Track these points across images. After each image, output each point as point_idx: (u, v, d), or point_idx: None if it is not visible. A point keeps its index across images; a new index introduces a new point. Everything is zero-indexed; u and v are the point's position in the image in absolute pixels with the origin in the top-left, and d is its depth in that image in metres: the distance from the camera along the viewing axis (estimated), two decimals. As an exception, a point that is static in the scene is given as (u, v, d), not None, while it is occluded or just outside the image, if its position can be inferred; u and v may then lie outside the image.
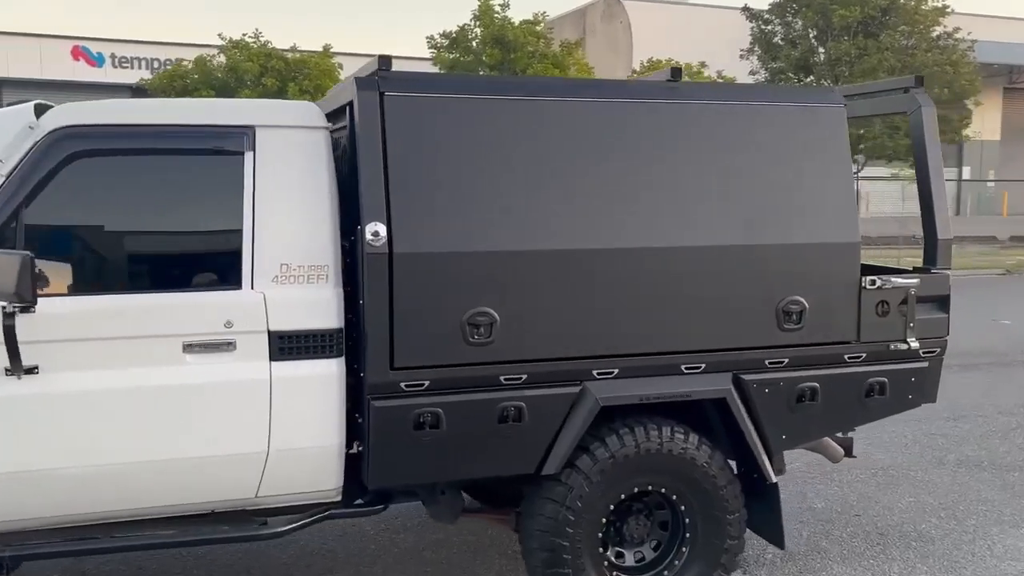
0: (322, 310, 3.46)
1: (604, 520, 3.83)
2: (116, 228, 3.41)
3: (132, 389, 3.27)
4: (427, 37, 25.53)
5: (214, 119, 3.48)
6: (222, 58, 22.31)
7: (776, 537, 4.09)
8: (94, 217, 3.40)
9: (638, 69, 25.73)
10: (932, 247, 4.21)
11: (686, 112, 3.86)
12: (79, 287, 3.29)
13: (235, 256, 3.39)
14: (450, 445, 3.56)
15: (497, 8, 22.14)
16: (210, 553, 4.66)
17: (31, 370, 3.15)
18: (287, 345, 3.42)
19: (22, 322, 3.09)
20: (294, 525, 3.54)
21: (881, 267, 4.49)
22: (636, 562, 3.98)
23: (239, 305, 3.37)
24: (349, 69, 17.84)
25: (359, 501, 3.73)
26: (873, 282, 4.01)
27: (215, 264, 3.45)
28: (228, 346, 3.37)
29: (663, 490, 3.89)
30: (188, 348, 3.33)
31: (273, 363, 3.41)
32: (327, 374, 3.47)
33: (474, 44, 22.45)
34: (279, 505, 3.59)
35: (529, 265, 3.59)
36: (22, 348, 3.10)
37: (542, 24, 23.22)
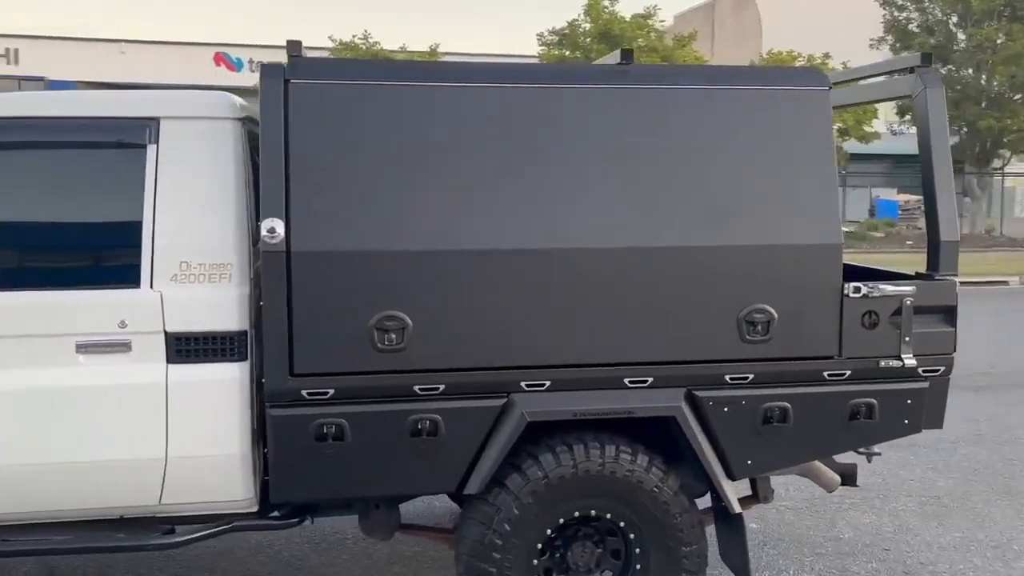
0: (224, 311, 3.28)
1: (540, 546, 3.49)
2: (9, 222, 3.33)
3: (23, 391, 3.18)
4: (537, 35, 25.45)
5: (117, 111, 3.35)
6: (333, 60, 22.72)
7: (741, 571, 3.65)
8: None
9: (756, 62, 24.76)
10: (935, 250, 3.65)
11: (636, 98, 3.46)
12: None
13: (133, 253, 3.25)
14: (356, 459, 3.31)
15: (606, 2, 21.70)
16: (181, 555, 4.59)
17: None
18: (185, 347, 3.25)
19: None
20: (194, 536, 3.37)
21: (890, 272, 3.95)
22: None
23: (134, 304, 3.23)
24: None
25: (275, 513, 3.53)
26: (857, 289, 3.50)
27: (112, 261, 3.32)
28: (123, 347, 3.23)
29: (608, 516, 3.52)
30: (81, 348, 3.21)
31: (170, 366, 3.26)
32: (228, 379, 3.28)
33: (583, 40, 22.11)
34: (188, 513, 3.43)
35: (445, 266, 3.29)
36: None
37: (653, 18, 22.62)
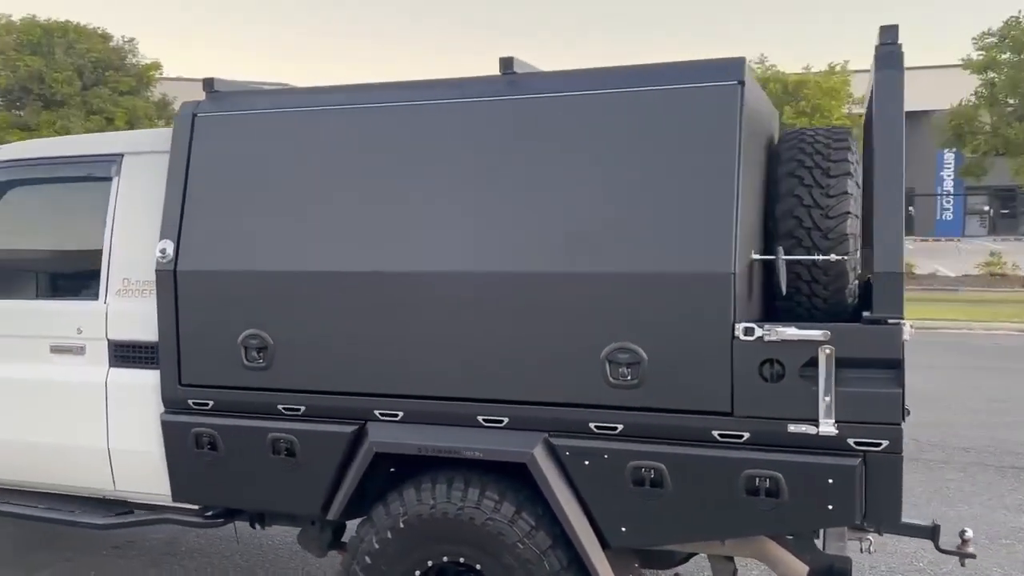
0: (147, 323, 3.65)
1: (409, 586, 3.31)
2: (4, 246, 4.07)
3: (14, 379, 3.88)
4: (973, 38, 22.71)
5: (92, 149, 3.91)
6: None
7: None
8: None
9: None
10: (871, 283, 2.75)
11: (505, 111, 3.16)
12: None
13: (95, 271, 3.78)
14: (228, 470, 3.46)
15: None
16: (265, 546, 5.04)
17: None
18: (121, 353, 3.70)
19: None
20: (120, 520, 3.78)
21: None
22: None
23: (88, 313, 3.76)
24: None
25: (209, 512, 3.80)
26: (750, 331, 2.78)
27: (81, 277, 3.87)
28: (80, 350, 3.77)
29: (477, 567, 3.21)
30: (54, 349, 3.82)
31: (111, 369, 3.72)
32: (150, 384, 3.65)
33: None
34: (140, 501, 3.86)
35: (300, 288, 3.31)
36: None
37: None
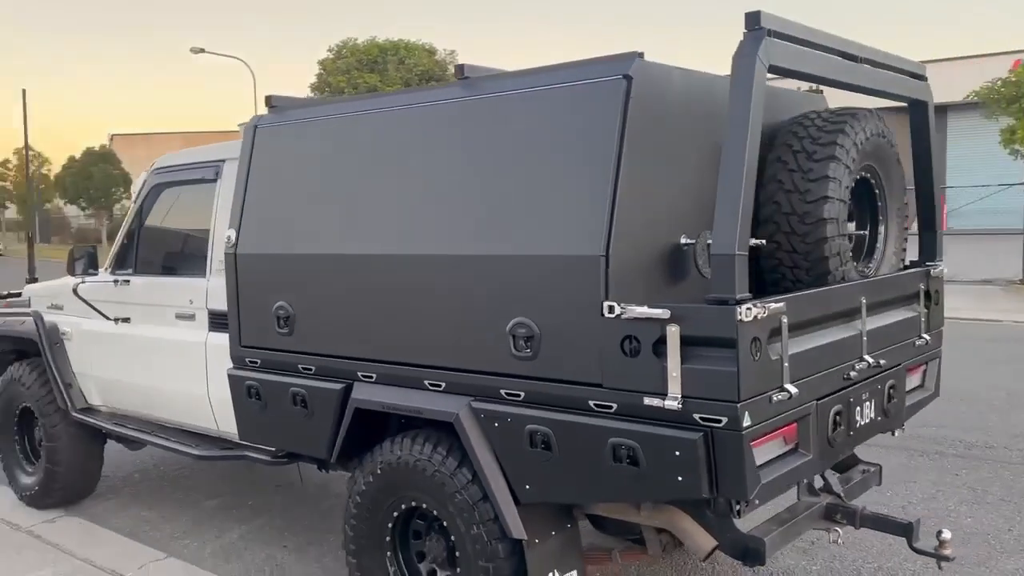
0: (224, 296, 4.54)
1: (390, 525, 3.83)
2: (156, 236, 5.15)
3: (152, 338, 4.98)
4: None
5: (208, 157, 4.86)
6: None
7: None
8: (149, 226, 5.22)
9: None
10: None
11: (443, 113, 3.60)
12: (139, 270, 5.16)
13: (204, 255, 4.74)
14: (268, 418, 4.22)
15: None
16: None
17: (126, 319, 5.15)
18: (215, 320, 4.62)
19: (121, 290, 5.13)
20: (213, 453, 4.70)
21: None
22: None
23: (198, 288, 4.73)
24: None
25: (277, 453, 4.58)
26: (611, 309, 2.98)
27: (196, 259, 4.84)
28: (192, 317, 4.76)
29: (434, 512, 3.67)
30: (177, 316, 4.85)
31: (209, 333, 4.66)
32: (227, 345, 4.52)
33: None
34: (238, 440, 4.77)
35: (308, 267, 3.98)
36: (122, 307, 5.13)
37: None
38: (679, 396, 2.85)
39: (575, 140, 3.16)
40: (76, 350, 5.54)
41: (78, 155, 47.84)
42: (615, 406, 3.03)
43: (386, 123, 3.81)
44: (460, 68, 3.63)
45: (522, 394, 3.28)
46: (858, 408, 3.49)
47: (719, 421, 2.80)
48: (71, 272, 5.36)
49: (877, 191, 3.92)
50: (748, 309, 2.75)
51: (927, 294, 4.07)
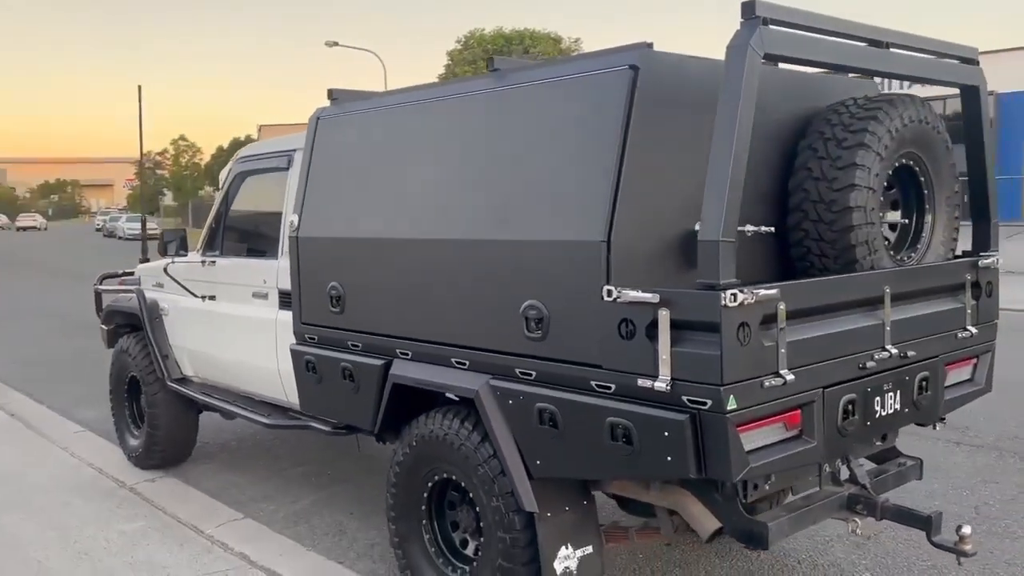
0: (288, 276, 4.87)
1: (425, 495, 4.05)
2: (240, 220, 5.53)
3: (233, 315, 5.38)
4: None
5: (283, 147, 5.19)
6: None
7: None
8: (233, 211, 5.61)
9: None
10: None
11: (468, 105, 3.78)
12: (224, 252, 5.57)
13: (277, 237, 5.09)
14: (323, 390, 4.52)
15: None
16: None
17: (211, 297, 5.59)
18: (284, 299, 4.97)
19: (208, 270, 5.57)
20: (279, 422, 5.05)
21: None
22: (457, 546, 4.01)
23: (271, 269, 5.09)
24: None
25: (337, 424, 4.88)
26: (610, 293, 3.09)
27: (271, 242, 5.18)
28: (265, 296, 5.13)
29: (463, 484, 3.87)
30: (254, 295, 5.23)
31: (279, 311, 5.01)
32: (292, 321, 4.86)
33: None
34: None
35: (354, 250, 4.25)
36: (208, 285, 5.58)
37: None
38: (668, 378, 2.93)
39: (583, 129, 3.28)
40: (172, 325, 6.04)
41: (226, 145, 50.69)
42: (613, 387, 3.14)
43: (423, 114, 4.02)
44: (490, 60, 3.80)
45: (533, 373, 3.43)
46: (877, 399, 3.46)
47: (704, 404, 2.87)
48: (161, 253, 5.85)
49: (923, 179, 3.84)
50: (733, 295, 2.81)
51: (975, 285, 3.97)
